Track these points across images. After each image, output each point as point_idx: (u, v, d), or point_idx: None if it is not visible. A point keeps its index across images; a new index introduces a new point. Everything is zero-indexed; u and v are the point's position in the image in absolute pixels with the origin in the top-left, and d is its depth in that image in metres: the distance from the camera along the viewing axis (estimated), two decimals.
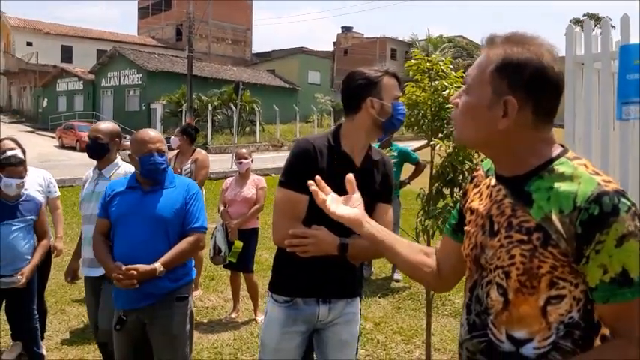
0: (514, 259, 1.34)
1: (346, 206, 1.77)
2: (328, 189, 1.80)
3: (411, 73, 3.85)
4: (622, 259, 1.22)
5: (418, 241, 4.06)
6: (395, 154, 5.95)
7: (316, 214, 2.30)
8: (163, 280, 3.03)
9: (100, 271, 3.59)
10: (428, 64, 3.74)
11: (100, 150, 3.79)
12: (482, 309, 1.44)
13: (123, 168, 3.83)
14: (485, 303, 1.42)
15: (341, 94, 2.49)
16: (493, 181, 1.49)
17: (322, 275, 2.40)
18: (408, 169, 6.87)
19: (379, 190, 2.48)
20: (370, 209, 2.45)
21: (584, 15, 50.49)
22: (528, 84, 1.34)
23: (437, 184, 3.80)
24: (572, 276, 1.30)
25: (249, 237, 5.63)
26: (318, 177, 1.85)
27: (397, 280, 6.95)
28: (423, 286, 6.59)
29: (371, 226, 1.75)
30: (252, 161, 5.82)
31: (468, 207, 1.57)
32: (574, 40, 3.68)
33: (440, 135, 3.66)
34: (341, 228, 2.30)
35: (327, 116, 36.32)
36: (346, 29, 58.04)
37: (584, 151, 3.61)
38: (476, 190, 1.56)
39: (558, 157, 1.37)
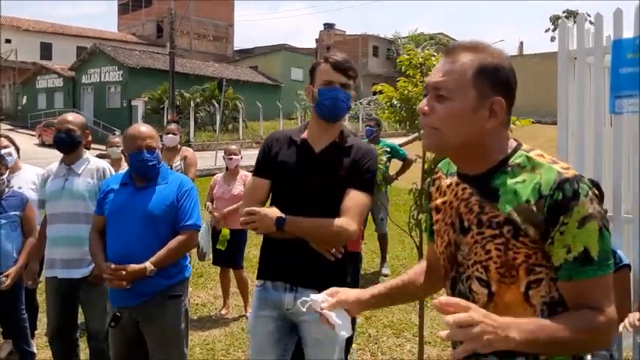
0: (490, 253, 1.42)
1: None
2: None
3: (403, 68, 3.87)
4: (584, 239, 1.33)
5: (411, 236, 4.11)
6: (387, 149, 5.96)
7: (279, 198, 2.48)
8: (155, 277, 2.98)
9: (77, 273, 3.55)
10: (420, 59, 3.76)
11: (73, 143, 3.57)
12: None
13: (94, 163, 3.68)
14: (471, 297, 1.47)
15: None
16: (455, 180, 1.54)
17: (288, 260, 2.45)
18: (395, 164, 6.91)
19: (347, 175, 2.45)
20: (339, 194, 2.43)
21: (563, 12, 51.09)
22: (505, 84, 1.44)
23: (429, 179, 3.81)
24: (545, 260, 1.38)
25: (239, 234, 5.62)
26: None
27: (385, 275, 6.99)
28: None
29: (353, 294, 1.68)
30: (241, 157, 5.83)
31: (433, 207, 1.63)
32: (567, 34, 3.72)
33: None
34: (305, 212, 2.35)
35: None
36: (328, 26, 57.83)
37: (578, 145, 3.65)
38: (438, 191, 1.62)
39: (516, 150, 1.46)
